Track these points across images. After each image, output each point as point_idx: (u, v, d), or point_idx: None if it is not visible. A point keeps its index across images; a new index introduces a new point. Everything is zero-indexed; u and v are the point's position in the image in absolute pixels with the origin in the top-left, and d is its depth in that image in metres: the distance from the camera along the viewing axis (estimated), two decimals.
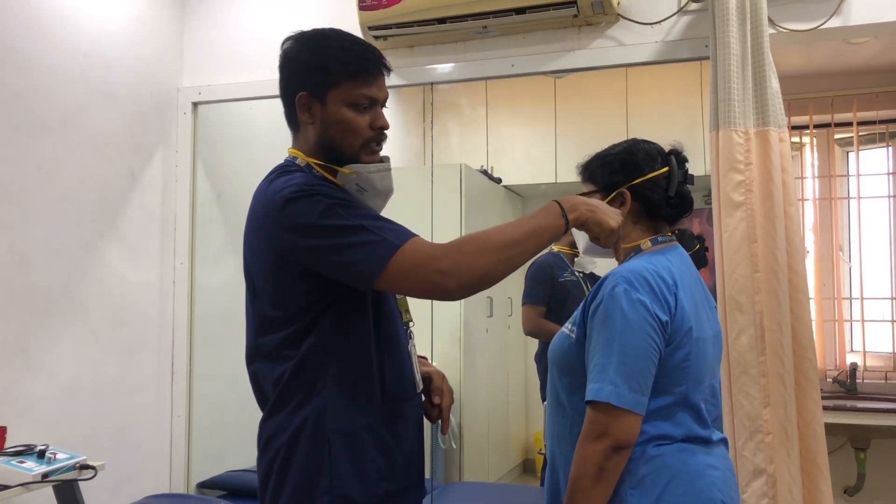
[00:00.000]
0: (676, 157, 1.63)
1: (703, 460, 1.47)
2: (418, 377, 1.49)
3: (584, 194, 1.66)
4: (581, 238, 1.69)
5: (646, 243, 1.59)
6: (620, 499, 1.41)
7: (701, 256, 1.70)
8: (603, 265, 3.65)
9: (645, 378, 1.42)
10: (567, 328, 1.56)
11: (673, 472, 1.42)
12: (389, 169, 1.47)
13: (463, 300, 3.93)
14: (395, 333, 1.46)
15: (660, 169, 1.60)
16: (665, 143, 1.67)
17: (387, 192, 1.46)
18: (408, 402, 1.47)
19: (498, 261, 1.32)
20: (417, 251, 1.30)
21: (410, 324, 1.52)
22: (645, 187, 1.59)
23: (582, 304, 1.53)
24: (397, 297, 1.50)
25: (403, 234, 1.33)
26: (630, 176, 1.59)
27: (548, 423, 1.62)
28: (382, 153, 1.49)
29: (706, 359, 1.52)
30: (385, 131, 1.47)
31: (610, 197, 1.60)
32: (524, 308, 3.51)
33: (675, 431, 1.45)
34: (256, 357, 1.44)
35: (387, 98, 1.50)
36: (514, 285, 4.68)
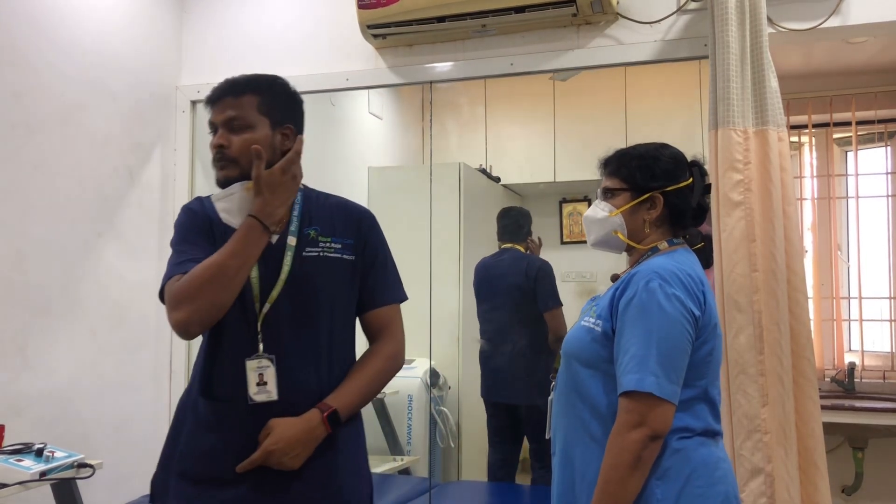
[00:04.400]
0: (699, 169, 1.68)
1: (716, 453, 1.53)
2: (250, 389, 1.55)
3: (608, 189, 1.67)
4: (590, 233, 1.70)
5: (663, 244, 1.64)
6: (646, 489, 1.45)
7: (707, 255, 1.73)
8: None
9: (681, 370, 1.47)
10: (589, 321, 1.59)
11: (693, 465, 1.48)
12: (230, 195, 1.60)
13: (462, 298, 3.98)
14: (230, 343, 1.59)
15: (688, 178, 1.66)
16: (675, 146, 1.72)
17: (231, 213, 1.60)
18: (229, 403, 1.57)
19: (220, 291, 1.49)
20: (167, 294, 1.54)
21: (259, 339, 1.58)
22: (676, 195, 1.63)
23: (609, 298, 1.56)
24: (263, 311, 1.58)
25: (169, 272, 1.56)
26: (666, 182, 1.63)
27: (560, 417, 1.63)
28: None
29: (721, 354, 1.59)
30: (221, 148, 1.60)
31: (640, 199, 1.63)
32: (560, 311, 3.50)
33: (695, 424, 1.51)
34: None
35: (225, 119, 1.60)
36: None
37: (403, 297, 1.74)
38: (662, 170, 1.64)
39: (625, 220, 1.65)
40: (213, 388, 1.61)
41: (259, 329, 1.57)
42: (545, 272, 3.56)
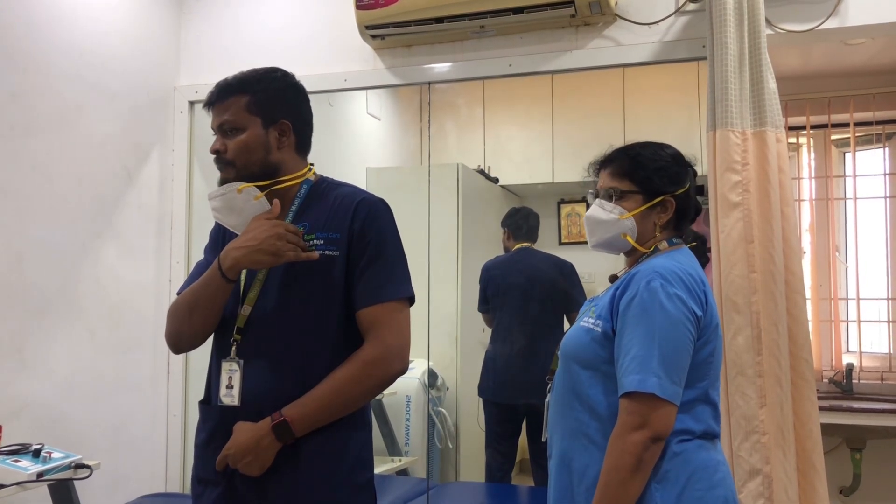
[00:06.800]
0: (692, 170, 1.69)
1: (715, 456, 1.52)
2: (220, 391, 1.55)
3: (618, 190, 1.64)
4: (593, 234, 1.69)
5: (663, 244, 1.63)
6: (645, 492, 1.44)
7: (700, 253, 1.74)
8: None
9: (683, 371, 1.46)
10: (589, 322, 1.57)
11: (693, 468, 1.47)
12: (222, 194, 1.57)
13: (461, 299, 3.98)
14: (218, 344, 1.61)
15: (689, 180, 1.67)
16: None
17: (221, 211, 1.59)
18: (207, 406, 1.61)
19: (180, 323, 1.58)
20: None
21: (234, 342, 1.56)
22: (683, 198, 1.64)
23: (610, 298, 1.55)
24: (240, 312, 1.57)
25: (179, 290, 1.64)
26: (678, 185, 1.63)
27: (557, 418, 1.62)
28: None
29: (722, 355, 1.59)
30: (218, 154, 1.59)
31: (652, 202, 1.62)
32: None
33: (695, 427, 1.50)
34: None
35: (219, 124, 1.60)
36: None
37: (396, 295, 1.54)
38: (674, 173, 1.63)
39: (635, 223, 1.63)
40: (207, 389, 1.64)
41: (235, 331, 1.56)
42: (576, 272, 3.59)
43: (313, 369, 1.51)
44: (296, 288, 1.54)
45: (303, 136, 1.64)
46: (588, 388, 1.54)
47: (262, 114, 1.57)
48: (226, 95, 1.59)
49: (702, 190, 1.71)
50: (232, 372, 1.54)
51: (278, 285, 1.55)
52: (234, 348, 1.55)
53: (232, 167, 1.57)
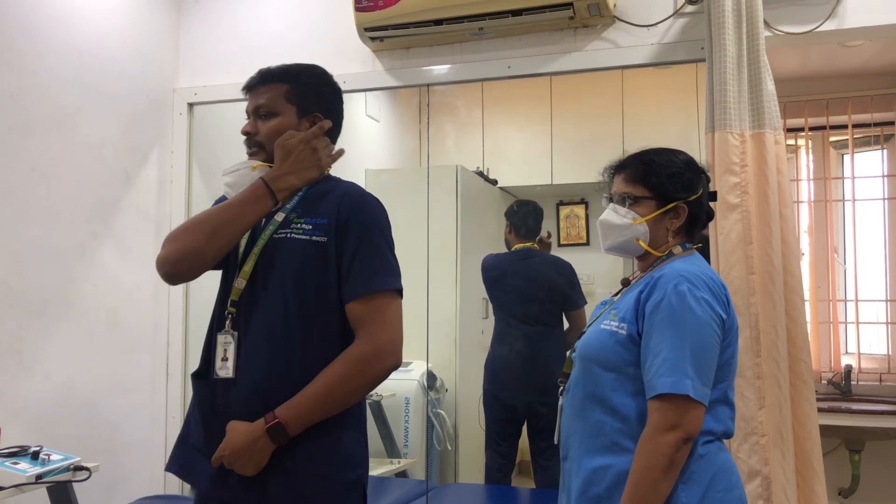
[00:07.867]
0: (706, 176, 1.71)
1: (730, 458, 1.57)
2: (216, 364, 1.56)
3: (632, 196, 1.66)
4: (607, 238, 1.70)
5: (677, 248, 1.65)
6: (672, 492, 1.46)
7: (705, 255, 1.75)
8: None
9: (712, 373, 1.49)
10: (612, 325, 1.58)
11: (715, 469, 1.50)
12: (236, 170, 1.65)
13: (459, 301, 3.98)
14: (214, 316, 1.63)
15: (701, 186, 1.68)
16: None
17: (233, 187, 1.63)
18: (200, 379, 1.61)
19: (198, 240, 1.53)
20: None
21: (229, 314, 1.58)
22: (696, 204, 1.66)
23: (634, 301, 1.56)
24: (234, 285, 1.58)
25: None
26: (691, 191, 1.65)
27: (573, 421, 1.62)
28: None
29: (738, 358, 1.61)
30: (249, 135, 1.67)
31: (665, 209, 1.64)
32: (584, 309, 3.56)
33: (716, 427, 1.53)
34: None
35: (255, 107, 1.67)
36: None
37: (381, 286, 1.52)
38: (687, 179, 1.65)
39: (648, 228, 1.65)
40: (203, 363, 1.66)
41: (229, 303, 1.58)
42: (574, 272, 3.60)
43: (305, 350, 1.53)
44: (285, 267, 1.55)
45: (330, 134, 1.70)
46: (611, 390, 1.55)
47: (299, 104, 1.65)
48: (267, 81, 1.66)
49: (715, 196, 1.72)
50: (227, 344, 1.56)
51: (271, 263, 1.56)
52: (228, 321, 1.57)
53: (262, 149, 1.64)
